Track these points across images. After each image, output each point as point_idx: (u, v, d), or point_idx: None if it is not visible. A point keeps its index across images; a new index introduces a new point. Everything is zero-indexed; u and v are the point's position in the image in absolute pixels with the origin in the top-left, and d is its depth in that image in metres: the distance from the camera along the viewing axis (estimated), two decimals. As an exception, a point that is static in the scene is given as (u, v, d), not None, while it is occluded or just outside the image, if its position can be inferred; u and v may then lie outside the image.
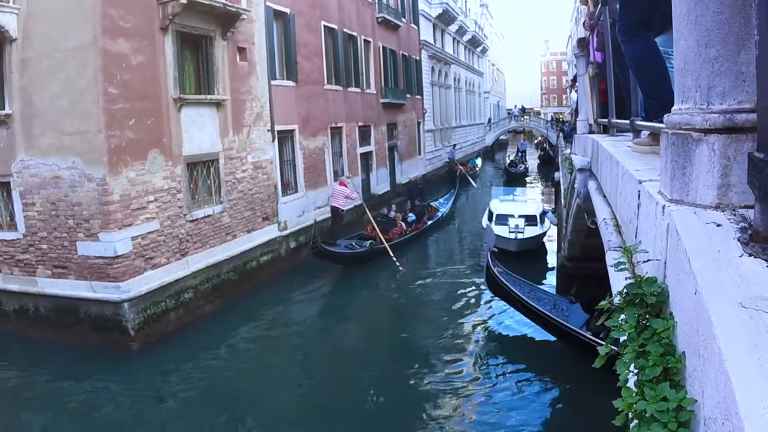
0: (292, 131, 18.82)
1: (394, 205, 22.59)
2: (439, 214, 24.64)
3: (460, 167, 35.87)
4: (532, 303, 11.72)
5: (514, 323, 12.94)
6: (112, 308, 11.78)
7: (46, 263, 12.33)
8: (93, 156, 11.48)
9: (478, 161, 44.68)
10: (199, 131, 14.03)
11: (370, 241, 18.65)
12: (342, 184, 19.56)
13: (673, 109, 2.04)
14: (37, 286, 12.47)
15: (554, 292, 13.38)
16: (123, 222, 11.73)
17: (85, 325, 12.03)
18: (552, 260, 17.97)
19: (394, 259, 17.52)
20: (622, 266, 2.15)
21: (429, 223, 22.99)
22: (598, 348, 2.08)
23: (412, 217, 22.16)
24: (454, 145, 41.53)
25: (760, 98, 1.55)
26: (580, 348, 10.64)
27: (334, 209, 18.99)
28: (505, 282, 12.35)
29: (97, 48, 11.36)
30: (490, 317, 13.77)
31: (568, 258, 12.93)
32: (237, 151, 15.51)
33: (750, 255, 1.55)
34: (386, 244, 18.11)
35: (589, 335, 10.47)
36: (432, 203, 25.66)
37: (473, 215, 26.06)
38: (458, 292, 15.66)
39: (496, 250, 13.52)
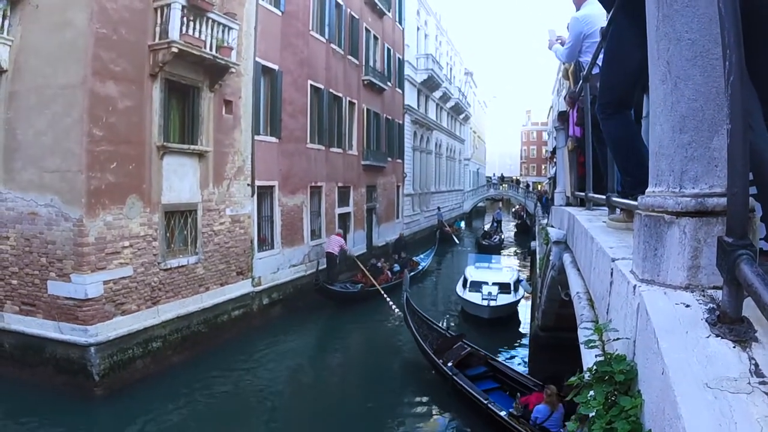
0: (271, 187, 18.88)
1: (382, 258, 25.88)
2: (420, 267, 27.71)
3: (447, 228, 40.95)
4: (417, 334, 14.30)
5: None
6: (78, 351, 11.54)
7: (15, 299, 12.12)
8: (72, 196, 11.45)
9: (462, 224, 50.50)
10: (179, 180, 14.04)
11: (360, 285, 21.79)
12: (338, 234, 22.38)
13: (647, 191, 2.09)
14: (4, 322, 12.23)
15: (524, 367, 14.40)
16: (96, 265, 11.62)
17: (50, 366, 11.74)
18: (525, 329, 17.99)
19: (387, 299, 19.43)
20: (592, 344, 2.17)
21: (411, 274, 24.40)
22: (567, 424, 2.09)
23: (397, 267, 25.21)
24: (439, 208, 44.98)
25: (730, 185, 1.61)
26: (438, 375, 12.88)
27: (329, 255, 21.11)
28: (410, 320, 14.87)
29: (86, 88, 11.45)
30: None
31: (541, 327, 12.92)
32: (216, 204, 15.51)
33: (717, 336, 1.58)
34: (379, 287, 20.64)
35: (440, 361, 12.76)
36: (414, 258, 28.78)
37: (450, 273, 28.92)
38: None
39: (409, 291, 16.47)
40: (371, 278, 21.92)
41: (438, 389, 12.86)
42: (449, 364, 12.50)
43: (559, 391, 9.21)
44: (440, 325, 15.52)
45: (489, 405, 10.61)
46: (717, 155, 1.84)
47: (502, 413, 10.14)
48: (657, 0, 1.97)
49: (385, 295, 19.64)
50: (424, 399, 13.20)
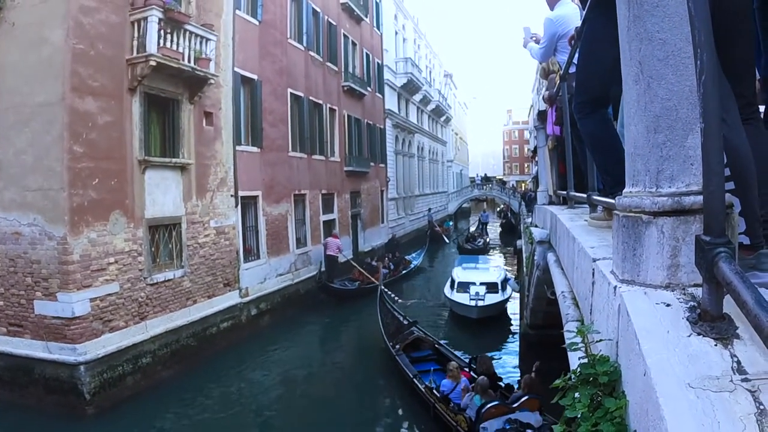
0: (255, 197, 18.82)
1: (376, 257, 28.01)
2: (412, 265, 29.59)
3: (438, 228, 43.08)
4: (381, 323, 15.91)
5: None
6: (67, 370, 11.42)
7: (2, 320, 12.00)
8: (55, 214, 11.35)
9: (451, 223, 53.19)
10: (162, 194, 13.96)
11: (358, 282, 23.55)
12: (334, 236, 23.41)
13: (624, 192, 2.08)
14: (-9, 343, 12.09)
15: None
16: (82, 283, 11.52)
17: (40, 386, 11.60)
18: (515, 327, 18.03)
19: (388, 291, 19.89)
20: (574, 347, 2.17)
21: (403, 272, 28.09)
22: (554, 427, 2.09)
23: (391, 266, 27.04)
24: (430, 209, 46.45)
25: (705, 183, 1.61)
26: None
27: (329, 257, 22.25)
28: (379, 309, 16.61)
29: (65, 105, 11.36)
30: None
31: (530, 325, 12.96)
32: (200, 216, 15.44)
33: (699, 334, 1.58)
34: (380, 284, 20.71)
35: (390, 344, 14.46)
36: (406, 257, 30.40)
37: (440, 270, 30.47)
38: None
39: (383, 287, 18.17)
40: (368, 275, 23.22)
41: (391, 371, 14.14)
42: (397, 346, 14.22)
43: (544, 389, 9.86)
44: (404, 315, 16.58)
45: (414, 380, 12.24)
46: (692, 153, 1.84)
47: (422, 387, 11.76)
48: (627, 1, 1.98)
49: (384, 289, 19.94)
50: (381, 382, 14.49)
